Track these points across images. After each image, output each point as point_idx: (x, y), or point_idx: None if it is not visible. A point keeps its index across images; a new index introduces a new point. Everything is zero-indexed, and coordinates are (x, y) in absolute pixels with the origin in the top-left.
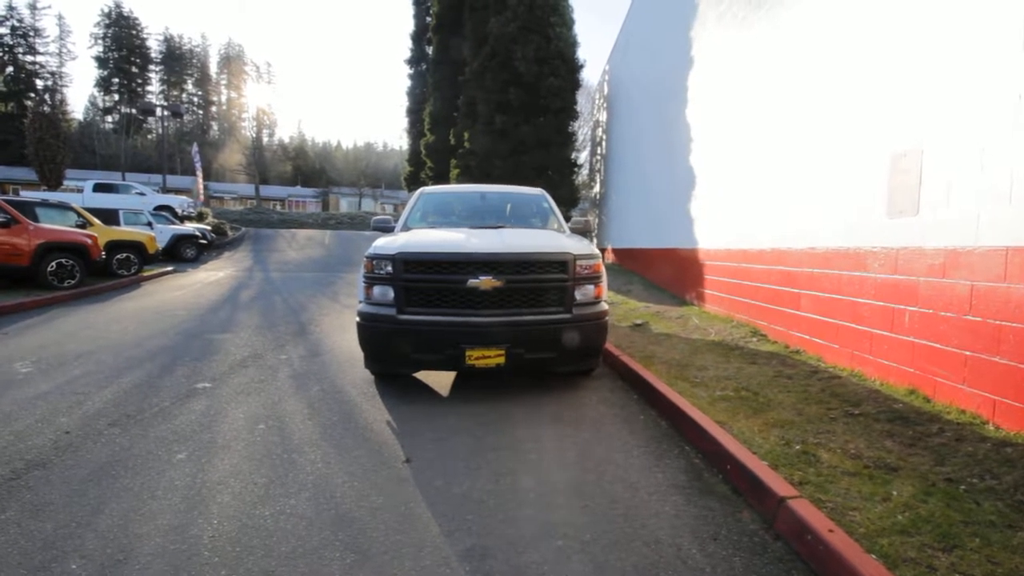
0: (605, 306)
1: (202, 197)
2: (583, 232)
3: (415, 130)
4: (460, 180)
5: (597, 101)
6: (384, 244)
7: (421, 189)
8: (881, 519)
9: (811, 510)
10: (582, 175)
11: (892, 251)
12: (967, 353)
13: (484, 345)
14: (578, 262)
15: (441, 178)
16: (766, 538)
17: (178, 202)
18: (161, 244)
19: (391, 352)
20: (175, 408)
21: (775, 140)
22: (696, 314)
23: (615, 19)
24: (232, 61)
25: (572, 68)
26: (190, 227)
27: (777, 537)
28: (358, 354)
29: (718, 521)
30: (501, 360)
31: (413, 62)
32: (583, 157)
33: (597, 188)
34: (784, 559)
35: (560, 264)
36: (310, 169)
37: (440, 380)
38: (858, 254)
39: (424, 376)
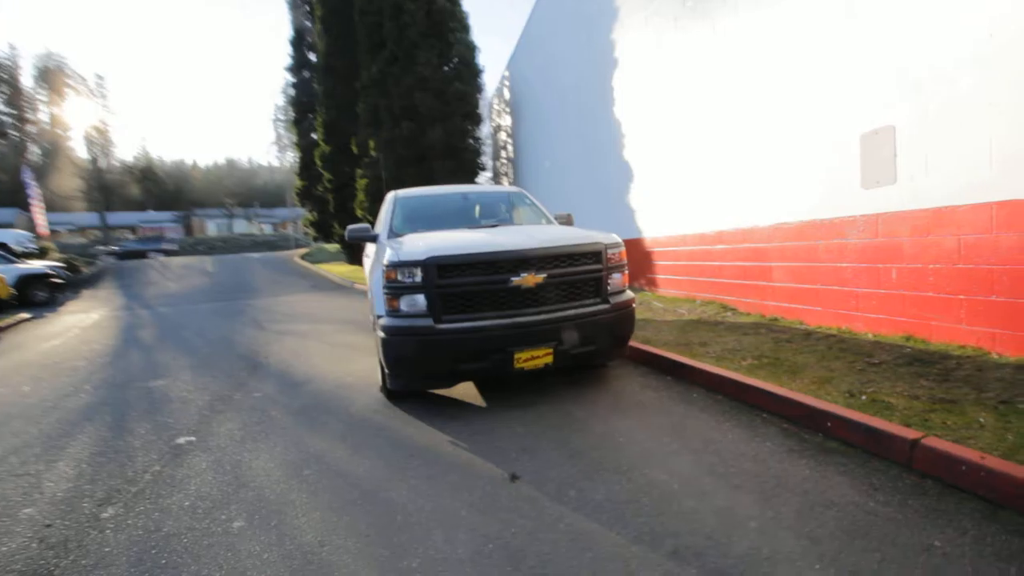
0: (631, 293)
1: (43, 230)
2: (568, 225)
3: (304, 141)
4: (370, 189)
5: (497, 107)
6: (405, 251)
7: (393, 193)
8: (999, 442)
9: (949, 445)
10: (485, 178)
11: (872, 217)
12: (961, 297)
13: (532, 345)
14: (608, 251)
15: (344, 189)
16: (913, 479)
17: (12, 237)
18: None
19: (430, 365)
20: (173, 471)
21: (737, 134)
22: (654, 298)
23: (501, 34)
24: (52, 74)
25: (475, 72)
26: (39, 265)
27: (923, 475)
28: (345, 379)
29: (861, 473)
30: (549, 359)
31: (295, 69)
32: (482, 160)
33: None
34: (945, 493)
35: (594, 255)
36: (162, 191)
37: (464, 392)
38: (834, 223)
39: (444, 391)
